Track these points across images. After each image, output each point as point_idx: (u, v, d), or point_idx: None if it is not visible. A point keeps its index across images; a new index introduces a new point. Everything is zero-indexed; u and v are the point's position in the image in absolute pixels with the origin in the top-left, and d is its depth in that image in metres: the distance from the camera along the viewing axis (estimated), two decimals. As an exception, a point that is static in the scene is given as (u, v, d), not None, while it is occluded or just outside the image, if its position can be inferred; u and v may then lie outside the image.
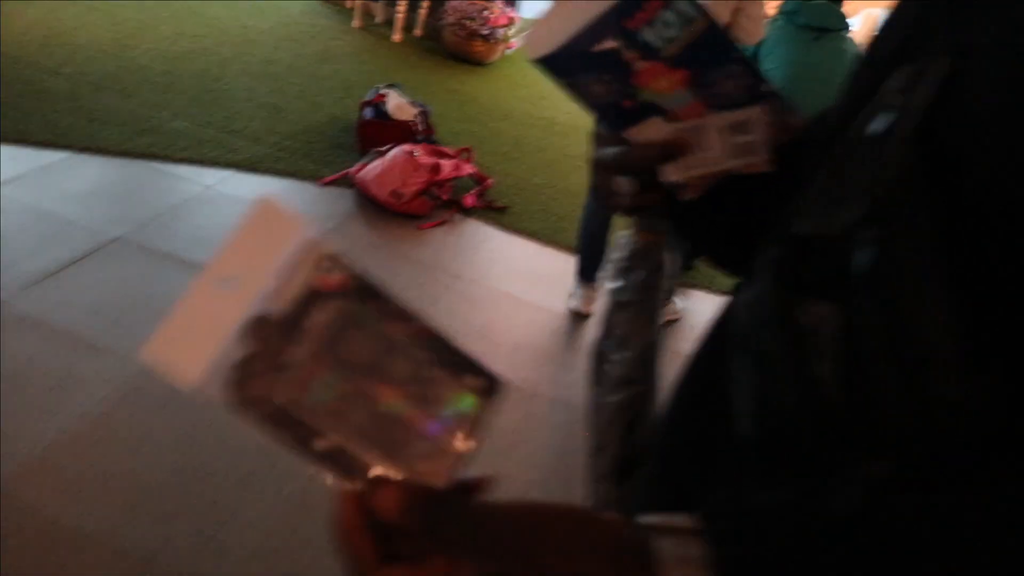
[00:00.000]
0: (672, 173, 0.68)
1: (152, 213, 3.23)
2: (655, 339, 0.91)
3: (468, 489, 0.51)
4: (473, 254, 3.62)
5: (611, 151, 0.70)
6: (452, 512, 0.46)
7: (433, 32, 6.25)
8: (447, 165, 3.89)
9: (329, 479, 0.47)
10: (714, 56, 0.61)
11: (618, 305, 0.91)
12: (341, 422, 0.47)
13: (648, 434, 0.93)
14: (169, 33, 5.10)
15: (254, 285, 0.47)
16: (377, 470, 0.47)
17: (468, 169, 4.03)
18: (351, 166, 3.86)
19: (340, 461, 0.47)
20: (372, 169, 3.72)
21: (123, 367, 2.42)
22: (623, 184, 0.73)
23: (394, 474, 0.47)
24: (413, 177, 3.68)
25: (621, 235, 0.89)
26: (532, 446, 2.57)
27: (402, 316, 0.49)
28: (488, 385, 0.51)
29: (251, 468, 2.19)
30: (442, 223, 3.73)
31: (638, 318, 0.90)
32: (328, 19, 6.32)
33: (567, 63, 0.61)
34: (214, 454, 2.21)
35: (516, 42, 6.29)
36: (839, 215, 0.53)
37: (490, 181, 4.09)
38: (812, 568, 0.46)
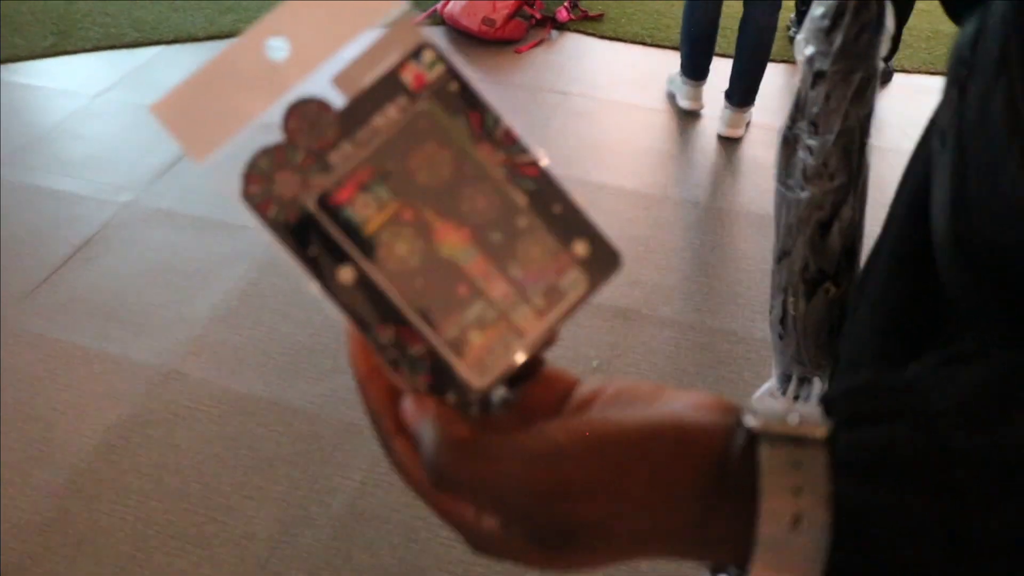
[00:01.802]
0: None
1: (252, 90, 3.22)
2: (861, 121, 0.71)
3: (523, 381, 0.38)
4: (577, 68, 3.46)
5: None
6: (481, 458, 0.33)
7: None
8: (533, -18, 3.69)
9: (343, 321, 0.36)
10: None
11: (815, 77, 0.70)
12: (381, 253, 0.36)
13: (847, 239, 0.75)
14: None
15: (315, 56, 0.36)
16: (414, 338, 0.35)
17: (556, -18, 3.82)
18: (437, 2, 3.72)
19: (364, 303, 0.36)
20: (458, 1, 3.57)
21: (257, 240, 2.48)
22: None
23: (431, 339, 0.36)
24: (501, 1, 3.51)
25: None
26: (666, 250, 2.50)
27: (504, 142, 0.37)
28: (601, 258, 0.37)
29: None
30: (539, 43, 3.56)
31: (838, 94, 0.69)
32: None
33: None
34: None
35: None
36: None
37: (581, -10, 3.86)
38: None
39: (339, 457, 1.87)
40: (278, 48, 0.36)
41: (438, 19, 3.67)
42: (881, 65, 0.71)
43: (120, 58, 3.42)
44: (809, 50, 0.71)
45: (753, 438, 0.33)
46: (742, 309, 2.30)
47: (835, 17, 0.68)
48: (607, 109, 3.16)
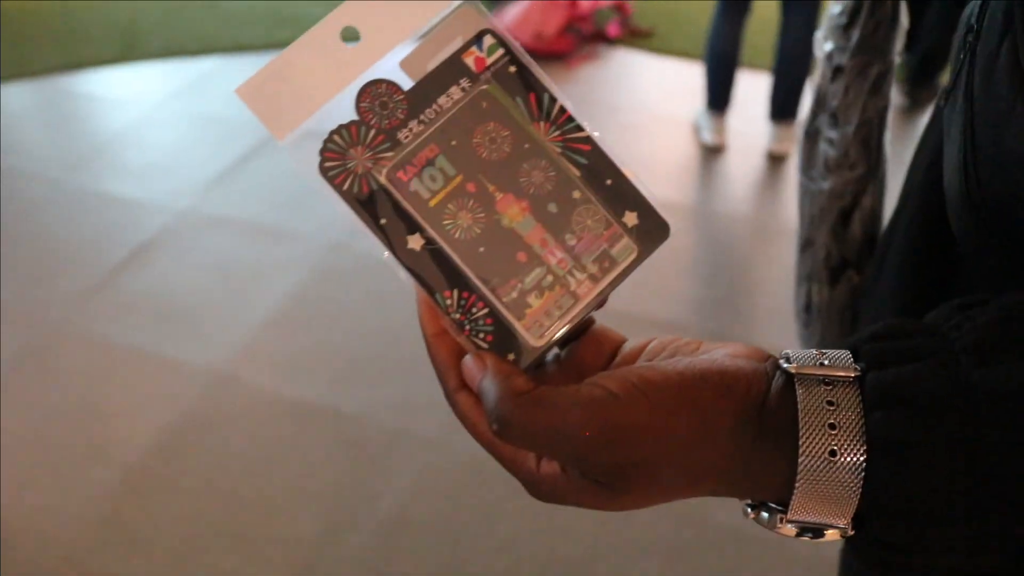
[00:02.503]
0: None
1: (306, 101, 3.28)
2: (879, 113, 0.73)
3: (577, 340, 0.42)
4: (627, 83, 3.47)
5: None
6: (541, 406, 0.36)
7: None
8: (584, -3, 3.71)
9: (413, 286, 0.39)
10: None
11: (834, 71, 0.74)
12: (446, 222, 0.39)
13: (868, 228, 0.77)
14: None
15: (385, 43, 0.39)
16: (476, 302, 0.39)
17: (607, -3, 3.84)
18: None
19: (432, 269, 0.39)
20: (510, 14, 3.60)
21: (311, 248, 2.53)
22: None
23: (493, 302, 0.39)
24: (552, 16, 3.53)
25: None
26: (713, 264, 2.50)
27: (559, 120, 0.40)
28: (651, 228, 0.40)
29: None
30: (590, 58, 3.58)
31: (856, 87, 0.73)
32: None
33: None
34: (410, 314, 2.28)
35: None
36: None
37: (630, 6, 3.87)
38: None
39: (387, 464, 1.89)
40: (352, 36, 0.39)
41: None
42: (897, 59, 0.74)
43: (180, 68, 3.51)
44: (828, 46, 0.74)
45: (789, 381, 0.36)
46: (788, 324, 2.28)
47: (852, 14, 0.72)
48: (656, 123, 3.17)
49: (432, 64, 0.39)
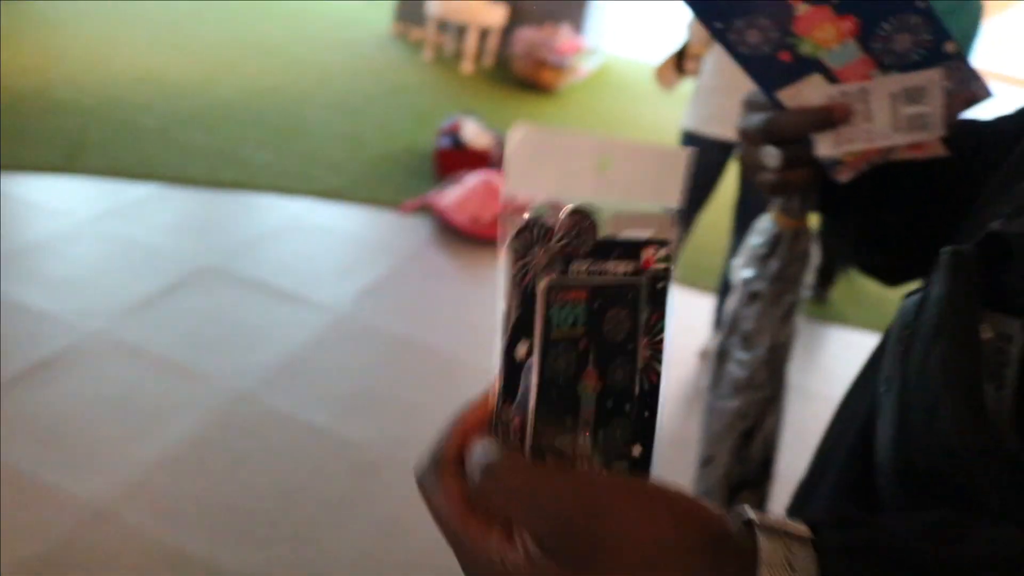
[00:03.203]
0: (827, 146, 0.60)
1: (239, 242, 3.31)
2: (787, 340, 0.80)
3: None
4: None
5: (758, 116, 0.63)
6: (534, 470, 0.39)
7: (502, 62, 6.32)
8: (524, 191, 3.91)
9: (492, 380, 0.43)
10: (891, 1, 0.53)
11: (748, 297, 0.82)
12: (549, 356, 0.42)
13: (766, 449, 0.83)
14: (252, 71, 5.27)
15: (617, 189, 0.43)
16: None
17: (544, 195, 4.05)
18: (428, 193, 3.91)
19: (515, 379, 0.42)
20: (450, 195, 3.76)
21: (218, 392, 2.48)
22: (770, 156, 0.64)
23: (527, 440, 0.42)
24: (489, 202, 3.70)
25: (761, 218, 0.82)
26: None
27: (655, 345, 0.45)
28: (641, 468, 0.46)
29: (344, 491, 2.21)
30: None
31: (769, 314, 0.80)
32: (400, 53, 6.45)
33: (721, 3, 0.55)
34: (308, 477, 2.24)
35: (584, 70, 6.32)
36: None
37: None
38: None
39: (260, 633, 1.80)
40: (603, 164, 0.43)
41: (427, 211, 3.85)
42: (808, 294, 0.81)
43: (119, 188, 3.49)
44: (747, 273, 0.81)
45: (748, 526, 0.39)
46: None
47: (771, 246, 0.79)
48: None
49: (624, 233, 0.43)
